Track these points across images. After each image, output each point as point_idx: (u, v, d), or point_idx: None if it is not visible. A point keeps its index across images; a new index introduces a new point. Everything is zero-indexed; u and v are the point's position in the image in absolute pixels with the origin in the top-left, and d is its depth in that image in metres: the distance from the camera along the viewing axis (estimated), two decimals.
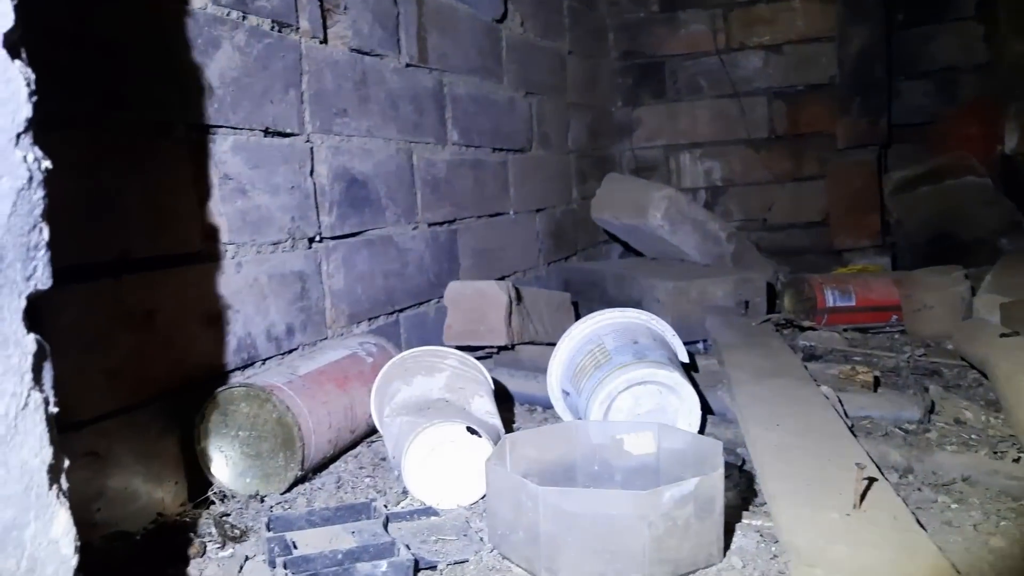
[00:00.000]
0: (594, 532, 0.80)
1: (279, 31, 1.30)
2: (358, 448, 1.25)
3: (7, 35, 0.53)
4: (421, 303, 1.73)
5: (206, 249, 1.15)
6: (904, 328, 1.93)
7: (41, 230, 0.55)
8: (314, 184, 1.39)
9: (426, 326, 1.73)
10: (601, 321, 1.36)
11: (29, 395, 0.53)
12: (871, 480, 0.89)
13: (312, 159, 1.39)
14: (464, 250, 1.92)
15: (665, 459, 0.98)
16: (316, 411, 1.11)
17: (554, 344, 1.38)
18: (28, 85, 0.53)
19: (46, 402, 0.54)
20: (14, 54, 0.53)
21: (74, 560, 0.55)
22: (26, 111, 0.53)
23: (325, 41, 1.43)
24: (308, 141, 1.38)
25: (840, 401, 1.28)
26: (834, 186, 2.82)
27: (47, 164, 0.54)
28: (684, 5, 2.97)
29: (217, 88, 1.16)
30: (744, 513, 0.95)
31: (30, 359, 0.53)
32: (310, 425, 1.09)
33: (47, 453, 0.54)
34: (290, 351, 1.30)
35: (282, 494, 1.06)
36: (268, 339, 1.25)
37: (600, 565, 0.80)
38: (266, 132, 1.27)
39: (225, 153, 1.18)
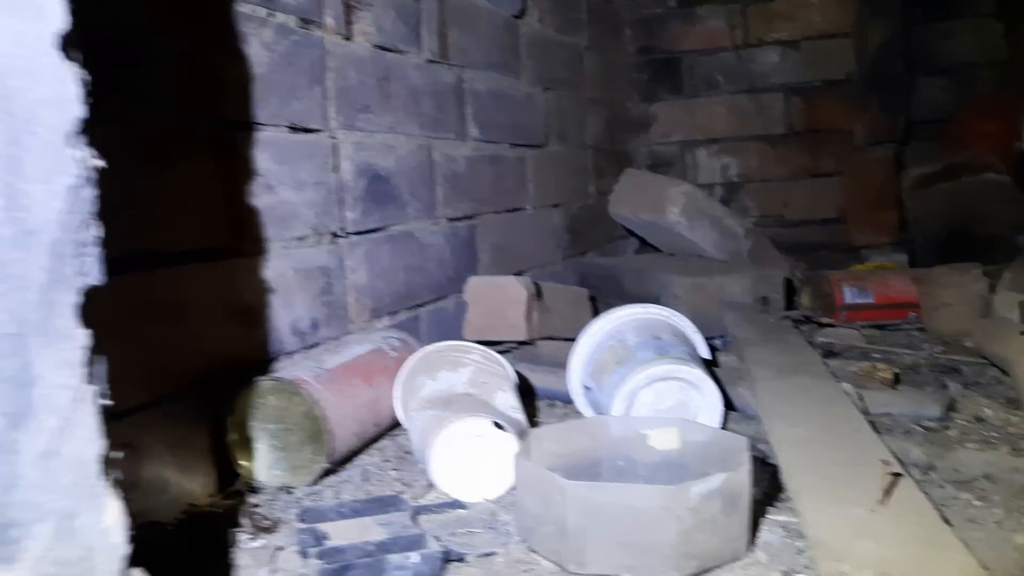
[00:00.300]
0: (622, 526, 0.81)
1: (304, 28, 1.31)
2: (382, 441, 1.26)
3: (60, 36, 0.54)
4: (441, 298, 1.74)
5: (234, 244, 1.17)
6: (922, 325, 1.94)
7: (91, 227, 0.56)
8: (338, 180, 1.40)
9: (446, 321, 1.74)
10: (623, 317, 1.36)
11: (82, 388, 0.54)
12: (898, 476, 0.89)
13: (336, 155, 1.40)
14: (483, 245, 1.93)
15: (690, 454, 0.99)
16: (343, 404, 1.13)
17: (573, 339, 1.39)
18: (80, 85, 0.55)
19: (97, 395, 0.56)
20: (66, 54, 0.54)
21: (124, 549, 0.56)
22: (78, 111, 0.55)
23: (349, 38, 1.44)
24: (332, 137, 1.39)
25: (861, 398, 1.29)
26: (851, 182, 2.82)
27: (97, 163, 0.56)
28: (702, 0, 2.97)
29: (244, 85, 1.18)
30: (768, 508, 0.95)
31: (83, 353, 0.54)
32: (337, 418, 1.10)
33: (98, 444, 0.55)
34: (315, 345, 1.31)
35: (309, 486, 1.08)
36: (294, 333, 1.26)
37: (628, 558, 0.81)
38: (292, 128, 1.28)
39: (252, 149, 1.20)
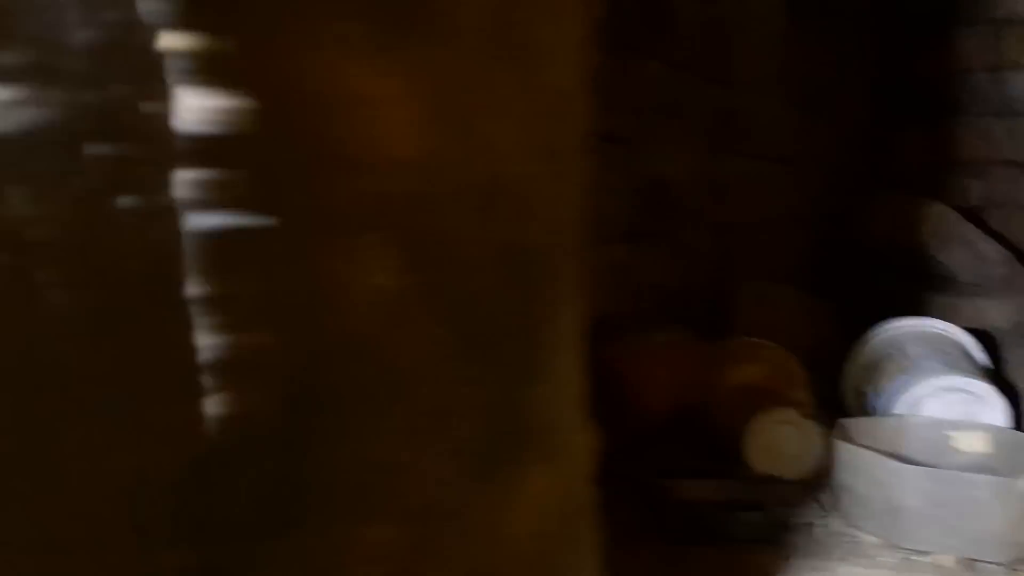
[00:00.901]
0: (954, 511, 0.90)
1: None
2: None
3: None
4: (703, 300, 1.86)
5: None
6: None
7: (588, 211, 0.72)
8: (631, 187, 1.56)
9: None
10: (901, 328, 1.43)
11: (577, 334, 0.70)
12: None
13: (630, 164, 1.56)
14: (737, 254, 2.03)
15: (996, 457, 1.06)
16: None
17: None
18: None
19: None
20: None
21: (594, 465, 0.72)
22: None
23: None
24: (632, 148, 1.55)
25: None
26: None
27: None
28: (951, 22, 2.92)
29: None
30: None
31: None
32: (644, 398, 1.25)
33: (583, 380, 0.71)
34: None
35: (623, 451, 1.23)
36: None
37: (955, 540, 0.90)
38: (605, 138, 1.45)
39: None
